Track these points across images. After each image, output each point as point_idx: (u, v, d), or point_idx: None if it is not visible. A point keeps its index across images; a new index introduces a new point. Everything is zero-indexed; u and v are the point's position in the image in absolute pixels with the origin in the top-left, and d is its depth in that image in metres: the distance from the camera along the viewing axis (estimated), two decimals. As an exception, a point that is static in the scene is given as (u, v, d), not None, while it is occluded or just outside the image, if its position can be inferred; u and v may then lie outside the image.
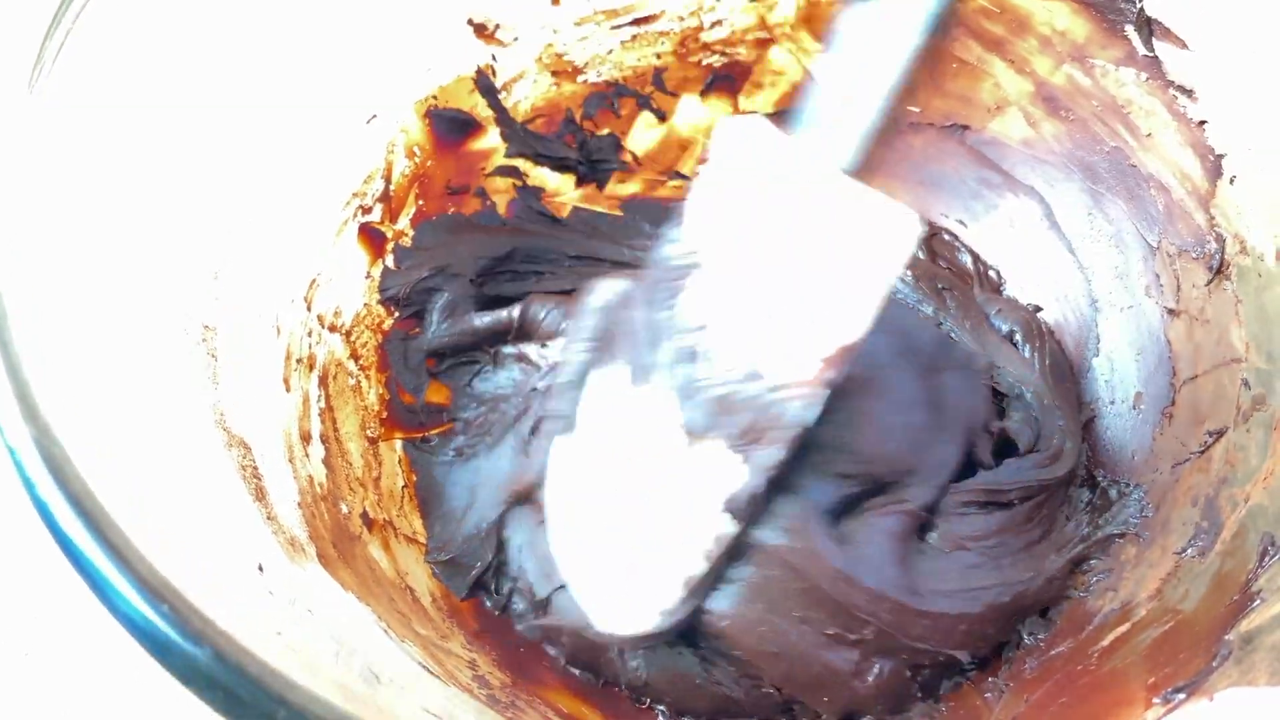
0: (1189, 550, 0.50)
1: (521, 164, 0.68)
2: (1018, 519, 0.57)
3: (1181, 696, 0.41)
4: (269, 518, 0.46)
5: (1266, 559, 0.45)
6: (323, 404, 0.56)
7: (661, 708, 0.54)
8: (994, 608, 0.54)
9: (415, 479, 0.61)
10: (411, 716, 0.39)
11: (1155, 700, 0.41)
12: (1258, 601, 0.43)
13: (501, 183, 0.68)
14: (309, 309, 0.57)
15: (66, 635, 0.55)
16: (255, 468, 0.47)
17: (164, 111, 0.49)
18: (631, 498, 0.51)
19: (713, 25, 0.68)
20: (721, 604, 0.52)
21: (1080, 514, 0.58)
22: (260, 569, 0.41)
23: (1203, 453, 0.53)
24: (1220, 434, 0.53)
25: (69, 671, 0.54)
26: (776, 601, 0.52)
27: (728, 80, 0.70)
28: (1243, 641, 0.42)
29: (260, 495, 0.46)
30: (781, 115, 0.70)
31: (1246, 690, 0.39)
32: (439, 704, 0.42)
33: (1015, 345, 0.64)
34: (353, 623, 0.45)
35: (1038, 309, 0.65)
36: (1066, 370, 0.63)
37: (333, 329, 0.59)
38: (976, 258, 0.68)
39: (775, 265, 0.48)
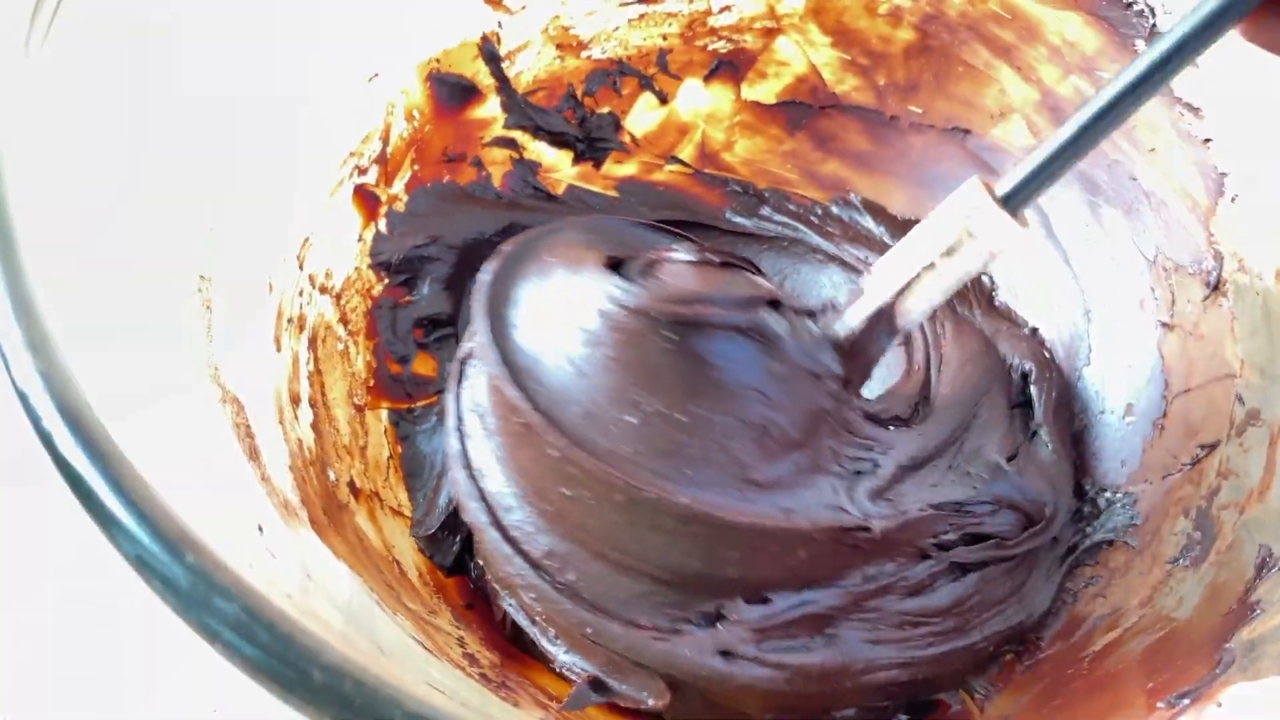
0: (1181, 560, 0.51)
1: (520, 136, 0.67)
2: (998, 575, 0.54)
3: (1186, 702, 0.41)
4: (263, 478, 0.44)
5: (1265, 571, 0.45)
6: (311, 367, 0.54)
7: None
8: (979, 658, 0.52)
9: (401, 451, 0.59)
10: (417, 687, 0.38)
11: (1159, 705, 0.42)
12: (1258, 612, 0.44)
13: (498, 154, 0.66)
14: (301, 268, 0.55)
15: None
16: (248, 426, 0.45)
17: (162, 61, 0.47)
18: None
19: (721, 10, 0.67)
20: None
21: (1067, 525, 0.58)
22: (260, 530, 0.40)
23: (1194, 465, 0.54)
24: (1212, 447, 0.53)
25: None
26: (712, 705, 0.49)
27: (732, 67, 0.69)
28: (1245, 649, 0.42)
29: (254, 455, 0.44)
30: (783, 107, 0.70)
31: (1250, 686, 0.40)
32: (442, 680, 0.41)
33: (1027, 382, 0.62)
34: (349, 590, 0.43)
35: (1034, 330, 0.66)
36: (1066, 400, 0.62)
37: (323, 290, 0.57)
38: (971, 262, 0.68)
39: None
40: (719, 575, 0.47)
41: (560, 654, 0.50)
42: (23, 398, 0.31)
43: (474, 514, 0.51)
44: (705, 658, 0.46)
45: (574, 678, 0.49)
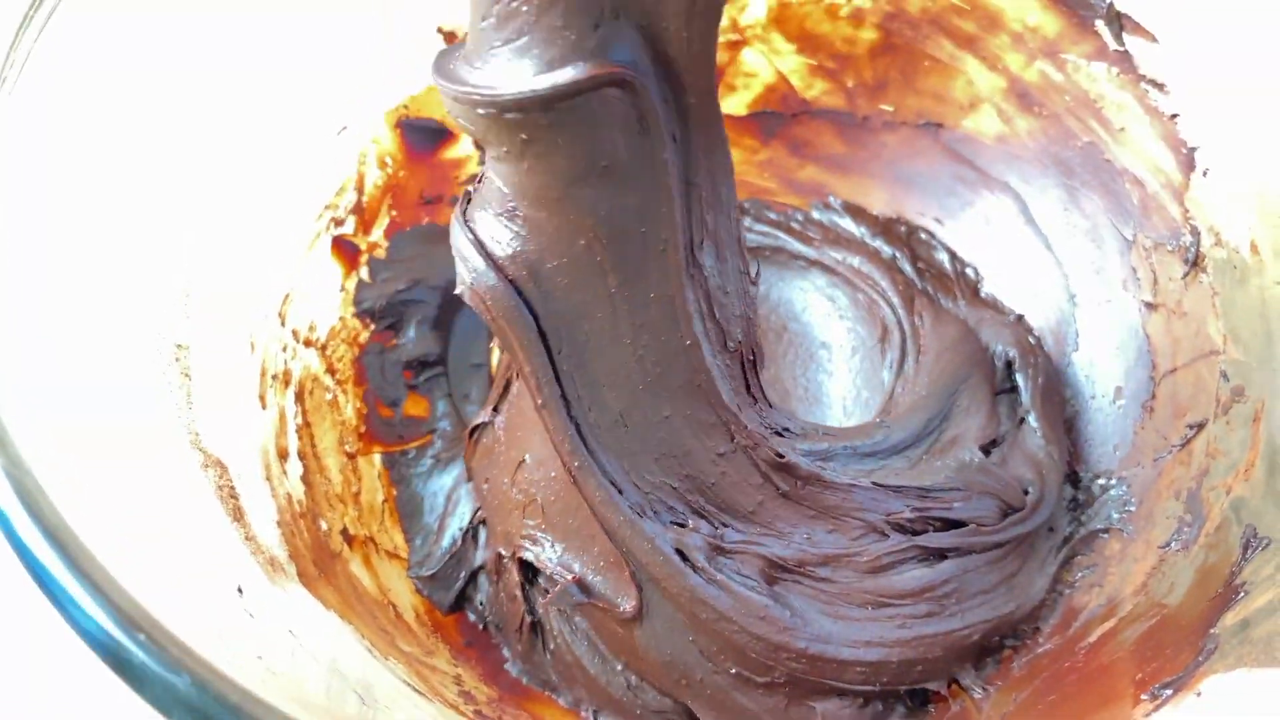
0: (1173, 543, 0.50)
1: (495, 172, 0.68)
2: (981, 564, 0.53)
3: (1169, 693, 0.41)
4: (247, 538, 0.45)
5: (1250, 551, 0.45)
6: (300, 420, 0.55)
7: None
8: (962, 646, 0.52)
9: (395, 493, 0.60)
10: (397, 737, 0.39)
11: (1143, 696, 0.41)
12: (1242, 594, 0.43)
13: (475, 191, 0.67)
14: (283, 324, 0.56)
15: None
16: (232, 488, 0.46)
17: (127, 126, 0.48)
18: None
19: (684, 28, 0.67)
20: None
21: (1062, 513, 0.57)
22: (240, 591, 0.41)
23: (1184, 446, 0.54)
24: (1200, 426, 0.53)
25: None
26: (675, 628, 0.50)
27: (700, 83, 0.69)
28: (1229, 635, 0.42)
29: (238, 515, 0.45)
30: (755, 118, 0.70)
31: (1229, 676, 0.40)
32: (426, 722, 0.42)
33: (1011, 369, 0.62)
34: (336, 643, 0.44)
35: (1020, 317, 0.65)
36: (1055, 387, 0.62)
37: (308, 344, 0.58)
38: (953, 255, 0.68)
39: None
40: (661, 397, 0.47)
41: (556, 557, 0.52)
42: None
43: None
44: (663, 545, 0.48)
45: (560, 578, 0.51)
